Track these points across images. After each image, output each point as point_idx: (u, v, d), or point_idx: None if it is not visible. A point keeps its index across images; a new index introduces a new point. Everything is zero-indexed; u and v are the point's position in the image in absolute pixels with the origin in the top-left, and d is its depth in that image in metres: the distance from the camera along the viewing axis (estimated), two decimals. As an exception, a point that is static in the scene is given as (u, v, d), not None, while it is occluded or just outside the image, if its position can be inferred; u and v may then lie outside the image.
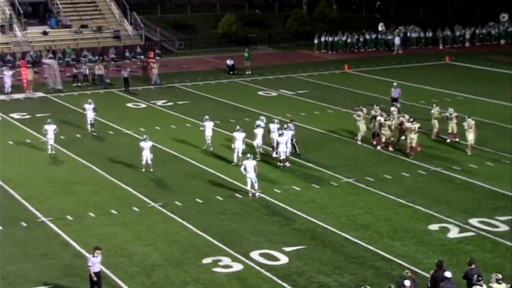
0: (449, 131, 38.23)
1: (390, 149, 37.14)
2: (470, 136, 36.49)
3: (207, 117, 38.91)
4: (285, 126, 36.48)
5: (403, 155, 36.58)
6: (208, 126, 38.18)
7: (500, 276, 21.15)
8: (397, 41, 67.63)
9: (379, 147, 37.51)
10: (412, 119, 37.15)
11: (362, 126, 38.78)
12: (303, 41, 70.42)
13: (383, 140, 37.28)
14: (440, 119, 38.90)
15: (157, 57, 57.83)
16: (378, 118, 37.63)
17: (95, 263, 22.60)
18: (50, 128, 37.45)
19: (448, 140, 38.01)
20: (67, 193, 32.73)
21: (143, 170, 34.87)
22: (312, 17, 76.21)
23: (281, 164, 35.14)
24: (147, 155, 34.73)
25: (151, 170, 34.85)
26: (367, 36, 68.55)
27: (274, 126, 36.90)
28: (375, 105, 39.88)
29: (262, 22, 75.72)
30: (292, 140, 36.43)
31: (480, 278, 21.07)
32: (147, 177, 34.34)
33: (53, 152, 37.47)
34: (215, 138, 38.90)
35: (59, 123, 40.07)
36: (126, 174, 34.74)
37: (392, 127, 37.49)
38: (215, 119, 42.88)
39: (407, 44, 69.26)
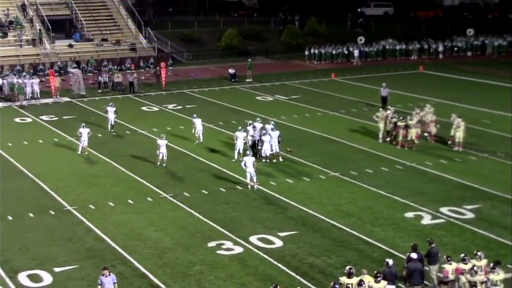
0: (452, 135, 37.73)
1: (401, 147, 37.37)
2: (459, 133, 36.51)
3: (195, 115, 39.42)
4: (270, 127, 36.43)
5: (383, 152, 36.63)
6: (198, 123, 38.41)
7: (463, 255, 21.47)
8: (356, 53, 67.26)
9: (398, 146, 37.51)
10: (409, 117, 37.77)
11: (381, 126, 38.72)
12: (296, 53, 70.38)
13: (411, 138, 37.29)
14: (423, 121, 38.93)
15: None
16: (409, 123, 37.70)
17: (105, 283, 20.65)
18: (84, 132, 37.03)
19: (449, 142, 37.44)
20: (90, 185, 32.76)
21: (158, 164, 34.89)
22: (303, 31, 76.37)
23: (264, 160, 35.03)
24: (163, 152, 34.80)
25: (165, 165, 34.88)
26: (351, 49, 68.38)
27: (258, 126, 36.84)
28: (390, 107, 40.24)
29: (260, 36, 75.80)
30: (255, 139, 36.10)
31: (449, 258, 21.24)
32: (159, 172, 34.34)
33: (86, 153, 37.07)
34: (218, 137, 39.06)
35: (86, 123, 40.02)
36: (141, 169, 34.74)
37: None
38: (218, 121, 43.16)
39: (386, 56, 69.29)
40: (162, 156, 34.85)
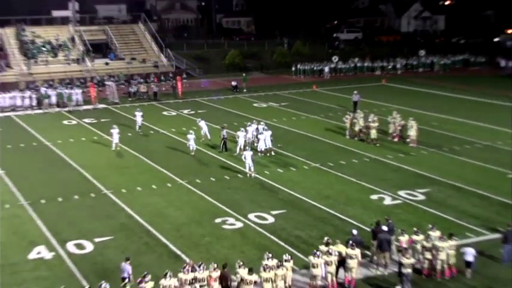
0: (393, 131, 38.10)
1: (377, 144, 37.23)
2: (412, 132, 36.61)
3: (199, 119, 40.01)
4: (262, 127, 36.37)
5: (353, 147, 36.69)
6: (203, 124, 38.51)
7: (415, 229, 21.82)
8: (326, 69, 66.79)
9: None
10: (372, 119, 37.91)
11: (348, 126, 39.04)
12: (285, 69, 70.34)
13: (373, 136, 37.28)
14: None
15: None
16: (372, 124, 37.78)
17: None
18: (115, 132, 37.21)
19: (407, 140, 37.16)
20: (122, 174, 32.81)
21: (192, 153, 35.24)
22: (291, 52, 76.37)
23: (260, 154, 35.03)
24: (192, 144, 35.14)
25: (193, 154, 35.25)
26: (330, 66, 68.04)
27: (253, 127, 36.91)
28: (372, 114, 39.99)
29: (256, 55, 75.79)
30: (225, 138, 36.04)
31: (403, 231, 21.51)
32: (177, 163, 34.35)
33: (118, 148, 37.05)
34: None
35: (116, 125, 40.06)
36: (162, 161, 34.75)
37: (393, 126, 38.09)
38: (223, 123, 42.89)
39: (356, 72, 69.14)
40: (193, 148, 35.13)
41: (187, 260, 20.17)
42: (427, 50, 74.13)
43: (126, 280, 19.29)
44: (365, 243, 22.03)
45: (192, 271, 18.98)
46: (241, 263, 19.53)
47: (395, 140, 37.84)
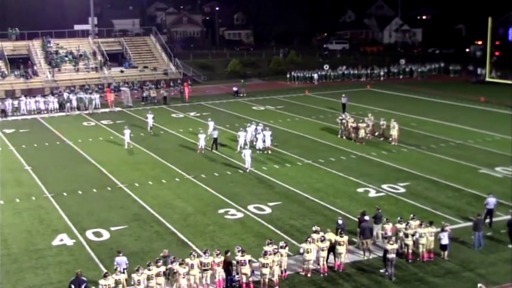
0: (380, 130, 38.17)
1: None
2: (394, 132, 36.50)
3: (209, 119, 39.83)
4: (261, 128, 36.23)
5: (342, 146, 36.54)
6: (211, 125, 38.30)
7: (399, 218, 21.73)
8: (315, 76, 66.47)
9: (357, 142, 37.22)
10: (361, 120, 37.79)
11: (340, 126, 38.94)
12: (280, 76, 70.08)
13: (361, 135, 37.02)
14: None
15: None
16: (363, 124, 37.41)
17: None
18: (127, 132, 37.18)
19: (390, 139, 36.85)
20: (135, 169, 32.66)
21: (198, 151, 35.04)
22: (286, 60, 76.15)
23: (258, 152, 34.86)
24: (202, 143, 34.86)
25: (203, 152, 34.92)
26: (319, 73, 67.84)
27: (252, 127, 36.84)
28: (347, 115, 40.23)
29: (255, 64, 75.56)
30: (215, 138, 35.85)
31: (388, 220, 21.40)
32: (184, 160, 34.21)
33: (130, 147, 36.94)
34: (225, 135, 38.93)
35: (130, 126, 39.94)
36: (171, 158, 34.62)
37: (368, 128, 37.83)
38: (225, 124, 43.01)
39: (344, 78, 68.87)
40: (201, 146, 34.95)
41: (166, 250, 19.89)
42: (407, 59, 73.95)
43: (123, 271, 18.75)
44: (351, 230, 21.89)
45: (164, 262, 18.79)
46: (239, 248, 19.54)
47: (376, 134, 37.91)
